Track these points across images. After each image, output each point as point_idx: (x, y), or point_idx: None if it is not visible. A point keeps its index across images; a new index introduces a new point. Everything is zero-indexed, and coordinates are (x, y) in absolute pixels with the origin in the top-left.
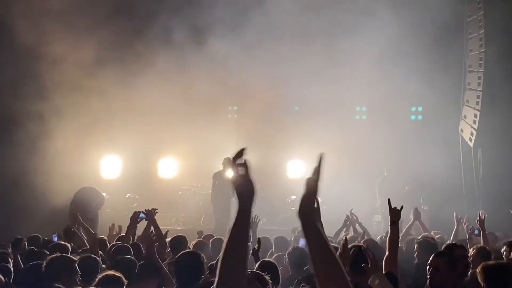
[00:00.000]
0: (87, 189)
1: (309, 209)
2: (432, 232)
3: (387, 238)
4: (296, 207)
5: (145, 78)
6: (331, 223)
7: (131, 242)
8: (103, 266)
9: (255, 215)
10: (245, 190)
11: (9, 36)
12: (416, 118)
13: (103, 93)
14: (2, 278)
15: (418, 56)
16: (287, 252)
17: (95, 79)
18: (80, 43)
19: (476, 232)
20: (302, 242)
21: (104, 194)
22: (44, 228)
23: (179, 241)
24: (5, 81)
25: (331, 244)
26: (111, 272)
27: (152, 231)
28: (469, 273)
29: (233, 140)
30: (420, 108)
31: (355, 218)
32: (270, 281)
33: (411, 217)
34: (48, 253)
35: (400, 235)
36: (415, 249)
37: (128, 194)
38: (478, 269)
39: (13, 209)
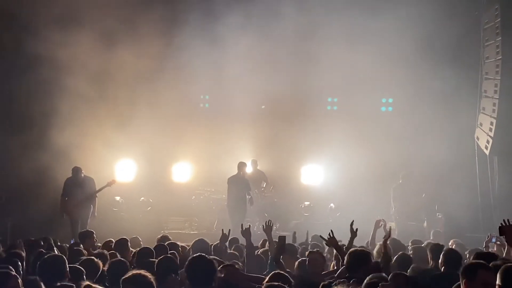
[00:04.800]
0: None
1: None
2: (451, 241)
3: None
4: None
5: (160, 82)
6: (344, 230)
7: None
8: None
9: (269, 219)
10: None
11: (23, 39)
12: None
13: (118, 97)
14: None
15: (435, 62)
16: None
17: (111, 83)
18: (99, 46)
19: (493, 240)
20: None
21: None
22: (58, 231)
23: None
24: (23, 83)
25: None
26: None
27: None
28: None
29: (248, 145)
30: None
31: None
32: None
33: (425, 225)
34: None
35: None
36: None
37: (142, 198)
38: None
39: (26, 212)
